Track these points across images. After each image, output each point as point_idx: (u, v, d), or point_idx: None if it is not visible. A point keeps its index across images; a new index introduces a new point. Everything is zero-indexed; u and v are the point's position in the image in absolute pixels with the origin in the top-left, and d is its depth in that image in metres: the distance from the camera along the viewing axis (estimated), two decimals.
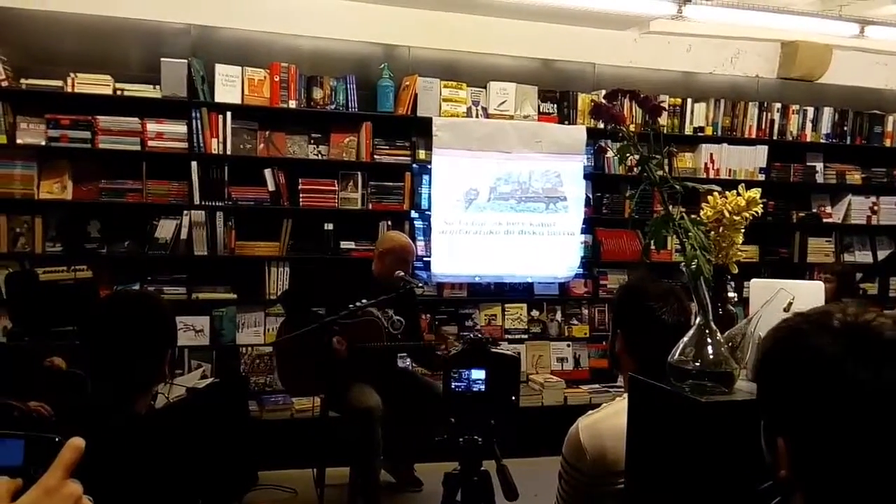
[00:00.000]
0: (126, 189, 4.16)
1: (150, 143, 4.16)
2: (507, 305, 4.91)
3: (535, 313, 4.96)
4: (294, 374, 3.76)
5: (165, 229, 4.20)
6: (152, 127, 4.15)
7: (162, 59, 4.16)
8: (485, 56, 4.79)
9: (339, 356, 3.47)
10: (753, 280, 1.47)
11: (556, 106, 4.88)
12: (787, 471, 0.91)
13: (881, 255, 5.51)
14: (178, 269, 4.28)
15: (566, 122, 4.86)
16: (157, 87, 4.16)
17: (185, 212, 4.21)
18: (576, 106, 4.87)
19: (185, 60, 4.19)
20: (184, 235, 4.22)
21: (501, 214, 4.73)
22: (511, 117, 4.75)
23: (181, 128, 4.19)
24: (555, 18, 4.72)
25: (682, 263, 1.35)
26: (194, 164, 4.21)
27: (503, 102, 4.75)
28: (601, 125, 1.43)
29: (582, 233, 4.88)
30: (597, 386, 4.85)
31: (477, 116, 4.72)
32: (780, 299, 1.32)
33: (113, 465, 1.29)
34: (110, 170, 4.17)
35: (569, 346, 4.99)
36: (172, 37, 4.30)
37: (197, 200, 4.22)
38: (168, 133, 4.18)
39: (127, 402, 1.64)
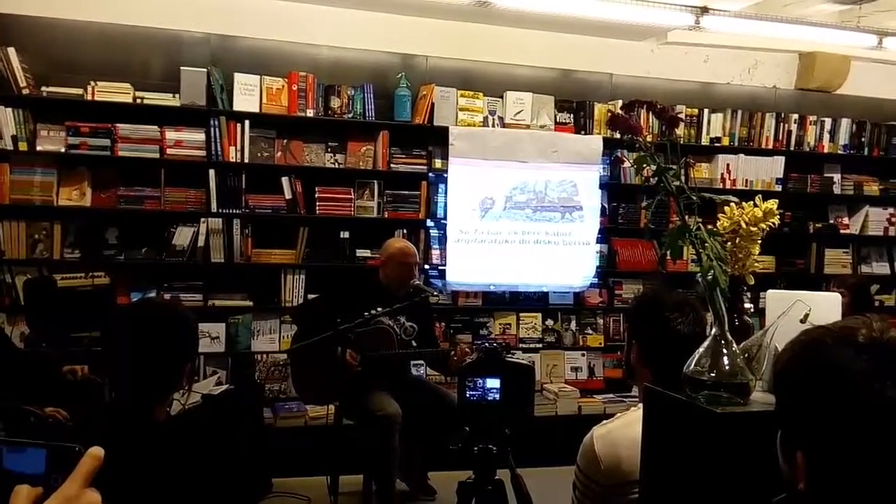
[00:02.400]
0: (144, 196, 4.20)
1: (169, 150, 4.19)
2: (521, 314, 4.90)
3: (549, 322, 4.95)
4: (308, 383, 3.77)
5: (183, 236, 4.23)
6: (171, 135, 4.19)
7: (181, 67, 4.20)
8: (502, 66, 4.81)
9: (351, 369, 3.48)
10: (770, 291, 1.46)
11: (572, 116, 4.88)
12: (804, 485, 0.91)
13: None
14: (195, 277, 4.30)
15: (582, 132, 4.86)
16: (177, 95, 4.20)
17: (203, 219, 4.24)
18: (592, 116, 4.87)
19: (205, 69, 4.22)
20: (201, 243, 4.24)
21: (517, 223, 4.73)
22: (527, 127, 4.76)
23: (199, 136, 4.23)
24: (572, 29, 4.73)
25: (699, 274, 1.35)
26: (212, 171, 4.24)
27: (520, 112, 4.76)
28: (617, 135, 1.44)
29: (597, 242, 4.87)
30: (611, 395, 4.82)
31: (493, 126, 4.73)
32: (796, 311, 1.31)
33: (131, 472, 1.30)
34: (129, 177, 4.21)
35: (583, 355, 4.97)
36: (192, 46, 4.35)
37: (214, 208, 4.25)
38: (187, 141, 4.22)
39: (146, 410, 1.66)
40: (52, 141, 4.07)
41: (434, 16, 4.59)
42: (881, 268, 5.46)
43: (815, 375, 0.90)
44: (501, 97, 4.76)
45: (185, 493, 1.52)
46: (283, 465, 4.01)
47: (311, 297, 4.37)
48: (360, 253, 4.52)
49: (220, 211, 4.26)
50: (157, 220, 4.25)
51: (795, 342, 0.95)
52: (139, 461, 1.42)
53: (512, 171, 4.68)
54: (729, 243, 1.43)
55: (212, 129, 4.23)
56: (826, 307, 1.36)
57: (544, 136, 4.75)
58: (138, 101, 4.17)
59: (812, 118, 5.25)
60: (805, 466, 0.90)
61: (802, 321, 1.29)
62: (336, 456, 3.49)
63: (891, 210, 5.39)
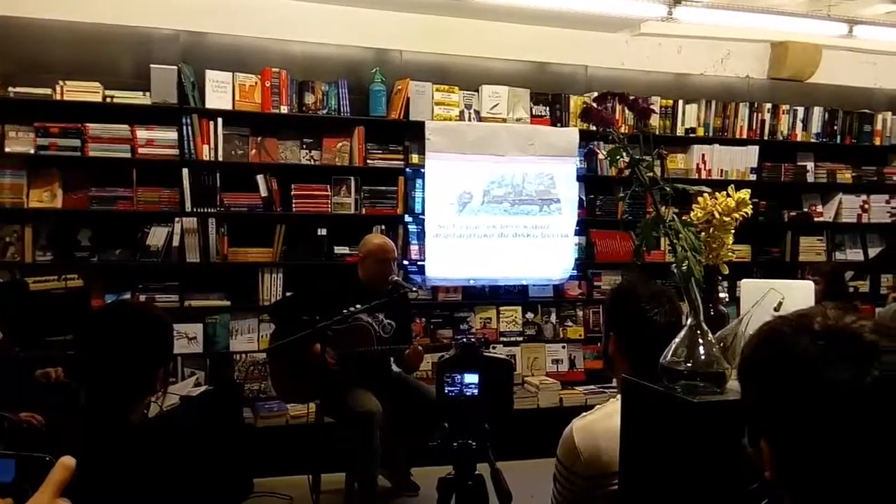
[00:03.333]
0: (116, 197, 4.14)
1: (141, 150, 4.14)
2: (501, 308, 4.91)
3: (529, 315, 4.96)
4: (288, 381, 3.75)
5: (157, 237, 4.18)
6: (142, 134, 4.14)
7: (152, 65, 4.14)
8: (476, 59, 4.80)
9: (330, 368, 3.47)
10: (744, 280, 1.47)
11: (548, 108, 4.89)
12: (771, 472, 0.92)
13: (872, 252, 5.53)
14: (171, 277, 4.26)
15: (559, 125, 4.87)
16: (147, 93, 4.14)
17: (177, 219, 4.20)
18: (568, 108, 4.88)
19: (175, 67, 4.17)
20: (176, 242, 4.20)
21: (495, 217, 4.73)
22: (504, 120, 4.76)
23: (172, 134, 4.18)
24: (546, 21, 4.73)
25: (674, 264, 1.35)
26: (185, 170, 4.19)
27: (496, 105, 4.76)
28: (593, 127, 1.44)
29: (576, 234, 4.89)
30: (592, 387, 4.85)
31: (469, 120, 4.72)
32: (770, 299, 1.32)
33: (106, 475, 1.29)
34: (100, 177, 4.15)
35: (564, 347, 4.99)
36: (162, 43, 4.29)
37: (188, 207, 4.20)
38: (158, 140, 4.17)
39: (120, 414, 1.64)
40: (20, 142, 4.00)
41: (408, 10, 4.57)
42: (855, 254, 5.53)
43: (772, 364, 0.91)
44: (477, 91, 4.75)
45: (160, 496, 1.50)
46: (264, 464, 3.99)
47: (286, 294, 4.34)
48: (339, 250, 4.49)
49: (195, 210, 4.22)
50: (130, 220, 4.20)
51: (756, 333, 0.96)
52: (113, 466, 1.41)
53: (489, 165, 4.68)
54: (703, 233, 1.43)
55: (184, 128, 4.18)
56: (799, 295, 1.37)
57: (521, 130, 4.75)
58: (108, 100, 4.11)
59: (785, 107, 5.30)
60: (770, 455, 0.91)
61: (776, 309, 1.30)
62: (317, 454, 3.48)
63: (863, 197, 5.46)
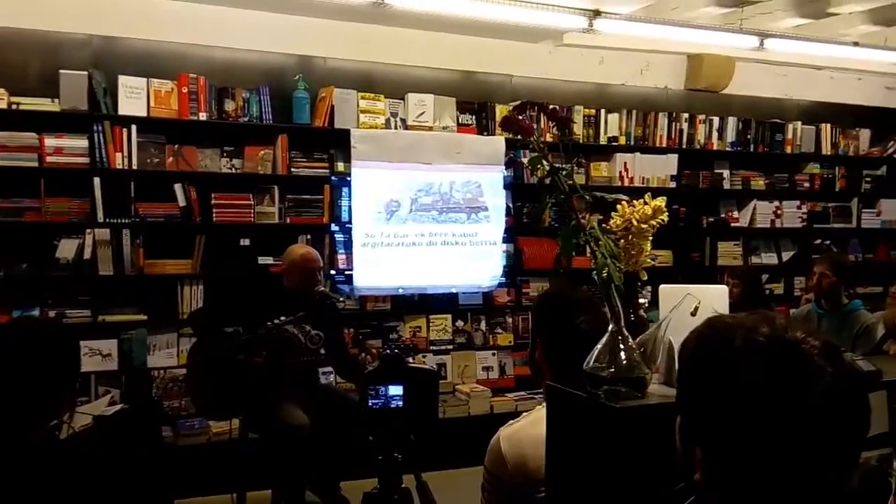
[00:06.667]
0: (23, 208, 3.94)
1: (49, 158, 3.96)
2: (431, 317, 4.89)
3: (459, 323, 4.96)
4: (209, 397, 3.62)
5: (67, 249, 4.00)
6: (51, 142, 3.95)
7: (61, 70, 3.97)
8: (402, 67, 4.78)
9: (258, 367, 3.38)
10: (662, 286, 1.49)
11: (474, 117, 4.91)
12: (700, 474, 0.92)
13: (785, 256, 5.78)
14: (82, 291, 4.08)
15: (485, 133, 4.90)
16: (56, 100, 3.97)
17: (88, 230, 4.02)
18: (494, 117, 4.91)
19: (86, 72, 4.01)
20: (87, 255, 4.02)
21: (423, 226, 4.71)
22: (430, 128, 4.75)
23: (82, 142, 4.01)
24: (471, 31, 4.75)
25: (594, 272, 1.36)
26: (97, 179, 4.02)
27: (422, 114, 4.74)
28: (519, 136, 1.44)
29: (504, 242, 4.92)
30: (522, 393, 4.87)
31: (396, 128, 4.69)
32: (686, 304, 1.34)
33: (8, 499, 1.22)
34: (6, 188, 3.93)
35: (494, 354, 5.01)
36: (72, 48, 4.11)
37: (101, 218, 4.03)
38: (68, 148, 3.99)
39: (19, 435, 1.55)
40: None
41: (330, 16, 4.50)
42: (769, 258, 5.76)
43: (714, 375, 0.91)
44: (403, 99, 4.73)
45: None
46: (186, 484, 3.83)
47: (203, 304, 4.21)
48: (263, 260, 4.38)
49: (108, 221, 4.05)
50: (38, 232, 3.99)
51: (698, 335, 0.95)
52: (9, 489, 1.32)
53: (416, 173, 4.66)
54: (622, 241, 1.45)
55: (95, 135, 4.02)
56: (714, 299, 1.40)
57: (447, 138, 4.75)
58: (14, 106, 3.91)
59: (701, 117, 5.49)
60: (703, 461, 0.91)
61: (693, 314, 1.32)
62: (242, 472, 3.37)
63: (776, 203, 5.69)
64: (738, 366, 0.88)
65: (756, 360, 0.86)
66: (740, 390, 0.87)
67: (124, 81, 4.08)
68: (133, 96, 4.09)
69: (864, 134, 6.03)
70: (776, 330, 0.88)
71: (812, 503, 0.86)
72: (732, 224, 5.62)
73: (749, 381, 0.86)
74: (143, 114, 4.12)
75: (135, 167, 4.11)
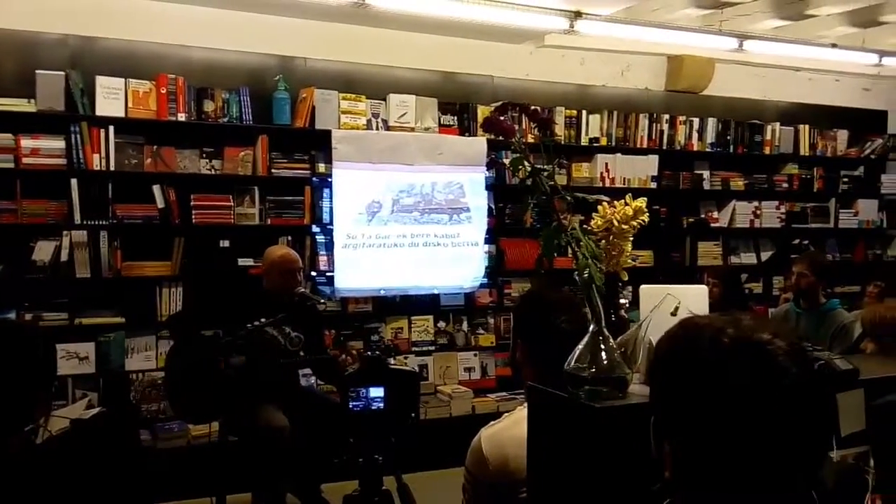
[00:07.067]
0: None
1: (25, 159, 3.90)
2: (413, 318, 4.87)
3: (441, 324, 4.95)
4: (188, 400, 3.58)
5: (44, 251, 3.94)
6: (27, 143, 3.90)
7: (37, 71, 3.92)
8: (384, 68, 4.76)
9: (237, 369, 3.35)
10: (643, 286, 1.49)
11: (456, 118, 4.91)
12: (669, 472, 0.94)
13: (764, 256, 5.83)
14: (59, 294, 4.02)
15: (467, 134, 4.89)
16: (32, 100, 3.91)
17: (65, 232, 3.97)
18: (476, 118, 4.91)
19: (63, 72, 3.96)
20: (64, 257, 3.97)
21: (405, 227, 4.70)
22: (412, 129, 4.74)
23: (59, 143, 3.96)
24: (453, 32, 4.75)
25: (576, 272, 1.36)
26: (74, 181, 3.97)
27: (403, 115, 4.73)
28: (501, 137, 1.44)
29: (485, 243, 4.91)
30: (504, 394, 4.87)
31: (377, 129, 4.67)
32: (667, 304, 1.35)
33: None
34: None
35: (476, 355, 5.01)
36: (48, 48, 4.06)
37: (78, 220, 3.98)
38: (45, 149, 3.94)
39: None
40: None
41: (311, 17, 4.48)
42: (749, 258, 5.81)
43: (682, 374, 0.92)
44: (384, 100, 4.71)
45: None
46: (165, 488, 3.79)
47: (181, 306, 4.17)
48: (243, 262, 4.34)
49: (85, 223, 4.00)
50: (14, 234, 3.93)
51: (669, 336, 0.97)
52: None
53: (398, 174, 4.65)
54: (603, 241, 1.45)
55: (72, 136, 3.97)
56: (694, 299, 1.41)
57: (429, 139, 4.74)
58: None
59: (682, 118, 5.53)
60: (671, 457, 0.92)
61: (673, 314, 1.32)
62: (222, 475, 3.34)
63: (755, 203, 5.74)
64: (703, 366, 0.89)
65: (720, 361, 0.88)
66: (705, 390, 0.89)
67: (102, 82, 4.03)
68: (111, 97, 4.04)
69: (842, 135, 6.11)
70: (742, 331, 0.90)
71: (777, 501, 0.87)
72: (712, 224, 5.66)
73: (714, 382, 0.88)
74: (121, 114, 4.07)
75: (112, 168, 4.06)
